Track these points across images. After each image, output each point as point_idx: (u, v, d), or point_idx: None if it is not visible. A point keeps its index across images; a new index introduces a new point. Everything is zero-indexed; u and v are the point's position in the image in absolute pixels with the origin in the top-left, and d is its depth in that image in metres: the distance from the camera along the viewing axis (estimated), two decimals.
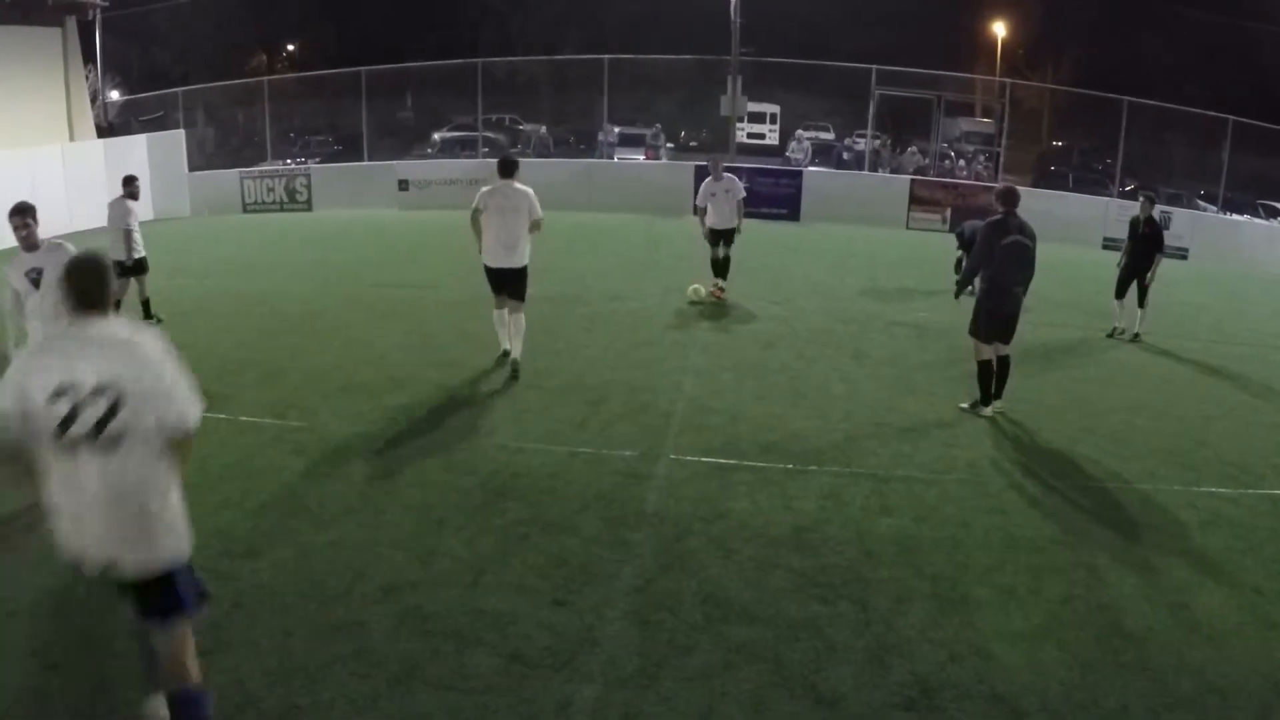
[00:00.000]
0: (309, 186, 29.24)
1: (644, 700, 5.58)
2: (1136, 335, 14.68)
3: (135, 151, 29.50)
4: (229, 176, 31.02)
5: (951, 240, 18.18)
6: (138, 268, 15.35)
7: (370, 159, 32.00)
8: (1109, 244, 23.84)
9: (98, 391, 4.28)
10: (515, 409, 10.54)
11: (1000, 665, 5.89)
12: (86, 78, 31.37)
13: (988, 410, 10.61)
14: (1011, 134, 33.04)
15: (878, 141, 33.20)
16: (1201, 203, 29.87)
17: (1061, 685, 5.76)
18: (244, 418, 10.54)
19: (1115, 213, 24.90)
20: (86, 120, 30.02)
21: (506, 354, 12.07)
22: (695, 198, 16.37)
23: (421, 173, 30.25)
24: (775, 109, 44.42)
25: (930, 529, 7.64)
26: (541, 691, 5.66)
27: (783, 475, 8.67)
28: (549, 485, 8.54)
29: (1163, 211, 24.77)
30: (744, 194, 16.11)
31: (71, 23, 29.00)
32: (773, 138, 44.39)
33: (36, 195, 24.43)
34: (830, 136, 42.35)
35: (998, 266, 10.37)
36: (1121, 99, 27.86)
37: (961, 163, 35.60)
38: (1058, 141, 42.21)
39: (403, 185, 29.43)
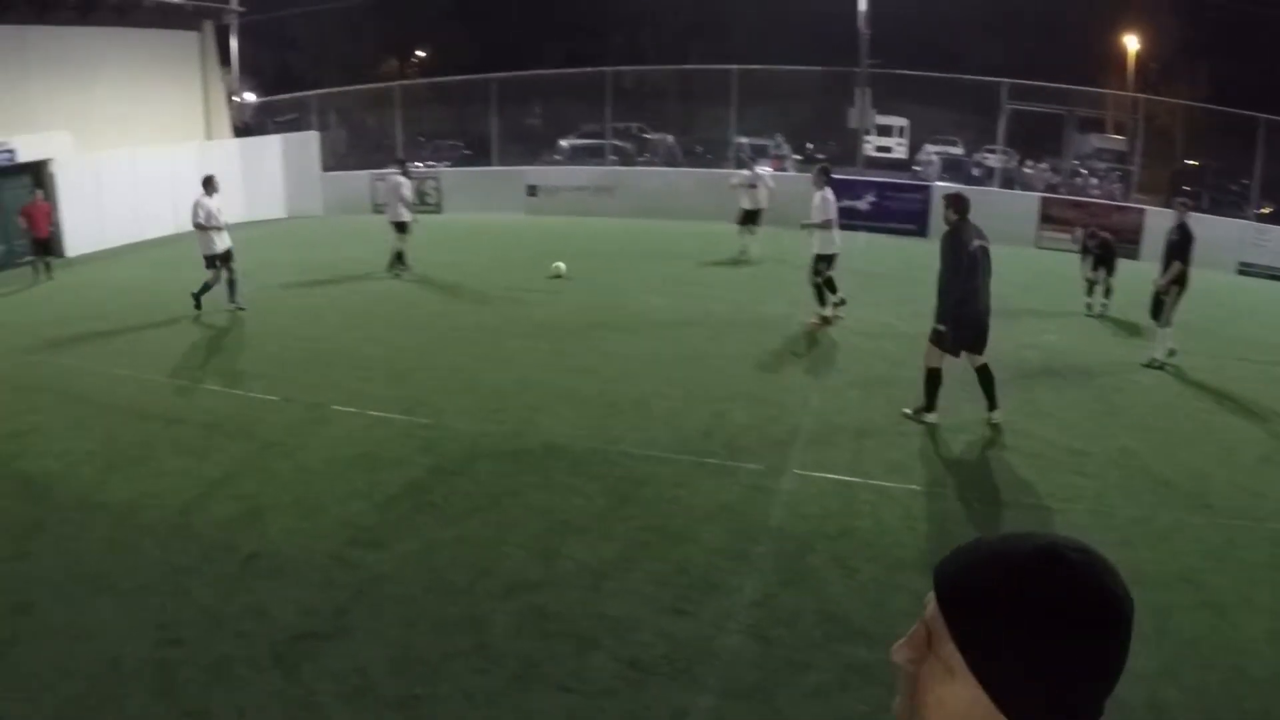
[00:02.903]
0: (439, 189, 29.74)
1: (759, 715, 5.63)
2: (1159, 360, 13.33)
3: (270, 151, 30.46)
4: (360, 178, 31.65)
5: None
6: (402, 228, 19.64)
7: (499, 164, 32.41)
8: (1244, 269, 23.16)
9: None
10: (642, 417, 10.64)
11: (1121, 704, 5.68)
12: (223, 80, 32.31)
13: (931, 417, 10.51)
14: (1143, 151, 32.23)
15: (1007, 157, 32.66)
16: None
17: None
18: (373, 412, 10.86)
19: (1253, 236, 24.10)
20: (223, 120, 31.03)
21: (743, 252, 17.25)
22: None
23: (550, 179, 30.55)
24: (904, 122, 43.92)
25: None
26: (657, 699, 5.73)
27: (908, 496, 8.63)
28: (673, 494, 8.63)
29: None
30: (830, 215, 15.08)
31: (209, 27, 30.08)
32: (900, 151, 43.92)
33: (175, 190, 25.63)
34: (959, 151, 41.72)
35: (969, 276, 10.27)
36: (1258, 116, 26.98)
37: (1094, 181, 34.80)
38: (1191, 160, 41.02)
39: (531, 191, 29.75)
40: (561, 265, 18.96)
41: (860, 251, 21.51)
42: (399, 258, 19.73)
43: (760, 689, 5.83)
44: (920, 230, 25.86)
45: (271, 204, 30.29)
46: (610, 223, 26.65)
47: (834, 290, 15.30)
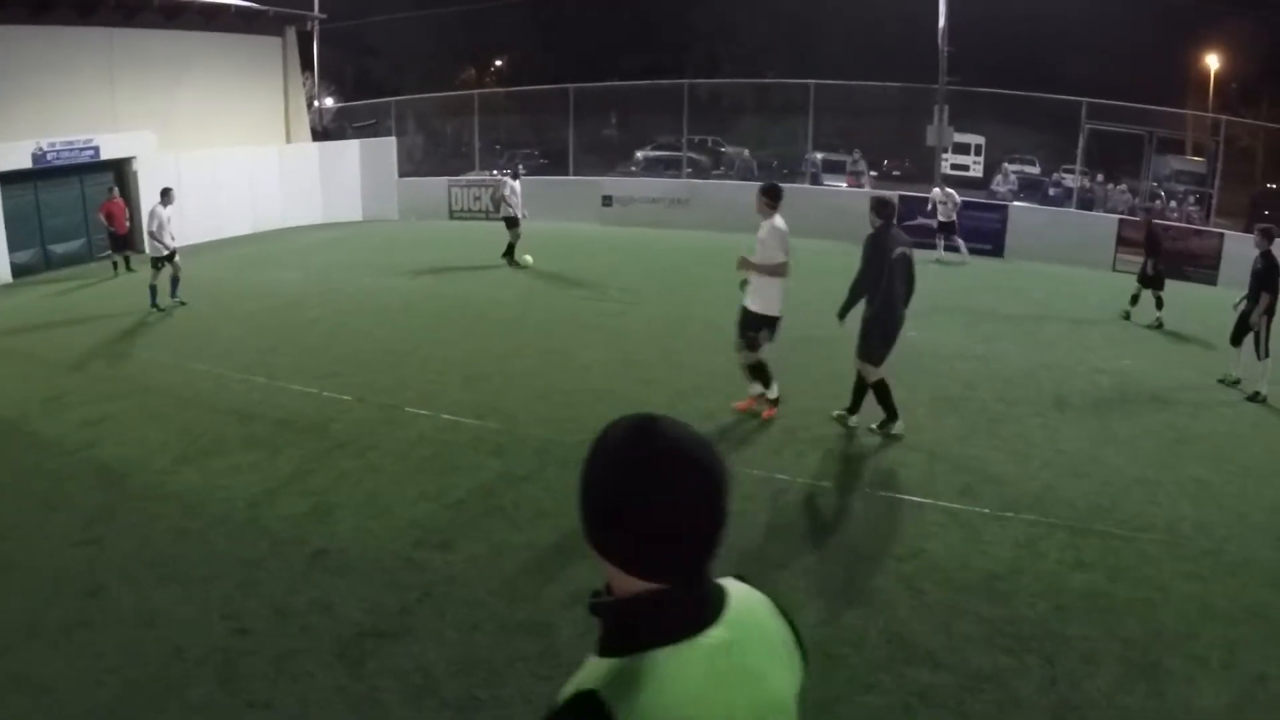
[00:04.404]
0: None
1: None
2: (1256, 394, 13.00)
3: (348, 155, 31.11)
4: (437, 184, 32.14)
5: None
6: (511, 223, 21.73)
7: (575, 174, 32.59)
8: None
9: None
10: (713, 430, 10.60)
11: None
12: (304, 85, 32.98)
13: (898, 426, 10.44)
14: (1223, 174, 31.61)
15: (1086, 177, 32.23)
16: None
17: None
18: (445, 416, 11.01)
19: None
20: (302, 124, 31.80)
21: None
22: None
23: (625, 189, 30.78)
24: (980, 140, 43.46)
25: (1125, 589, 7.38)
26: None
27: (978, 519, 8.53)
28: (742, 508, 8.56)
29: None
30: (783, 256, 10.70)
31: (291, 33, 30.92)
32: (977, 169, 43.41)
33: (254, 191, 26.23)
34: (1036, 170, 41.21)
35: (888, 283, 10.05)
36: None
37: (1172, 203, 34.18)
38: (1272, 184, 39.95)
39: (606, 201, 29.96)
40: (529, 258, 21.42)
41: (935, 271, 21.40)
42: (509, 250, 21.78)
43: (823, 709, 5.78)
44: (997, 250, 25.65)
45: (348, 208, 30.81)
46: (684, 235, 26.73)
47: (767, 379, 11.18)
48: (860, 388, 10.64)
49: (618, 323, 16.02)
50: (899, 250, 10.16)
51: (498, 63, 61.07)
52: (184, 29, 26.51)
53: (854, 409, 10.74)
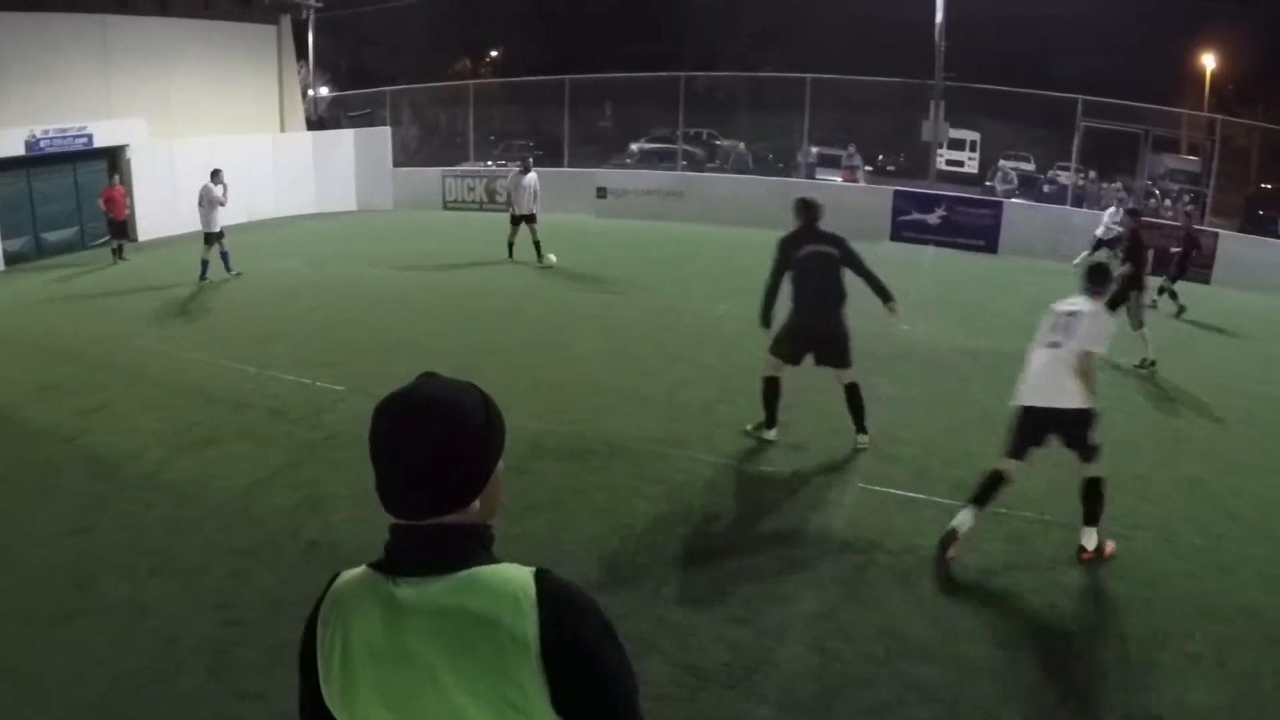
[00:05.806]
0: (508, 188, 30.05)
1: None
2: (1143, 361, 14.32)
3: (342, 145, 31.13)
4: (431, 174, 32.12)
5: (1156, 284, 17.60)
6: (526, 218, 21.18)
7: (570, 165, 32.56)
8: None
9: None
10: (707, 423, 10.63)
11: None
12: (298, 74, 32.99)
13: (771, 433, 10.09)
14: (1218, 174, 31.65)
15: (1081, 175, 32.26)
16: None
17: None
18: None
19: None
20: (297, 113, 31.84)
21: None
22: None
23: (620, 181, 30.76)
24: (975, 136, 43.50)
25: (1119, 586, 7.37)
26: (714, 706, 5.72)
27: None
28: (736, 502, 8.64)
29: None
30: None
31: (286, 21, 30.98)
32: (972, 166, 43.46)
33: (249, 180, 26.17)
34: (1031, 167, 41.22)
35: (797, 281, 9.72)
36: None
37: (1167, 202, 34.23)
38: (1266, 184, 39.88)
39: (600, 193, 29.93)
40: (553, 257, 20.70)
41: (928, 267, 21.42)
42: (520, 246, 21.32)
43: (818, 703, 5.80)
44: (990, 246, 25.68)
45: (343, 197, 30.78)
46: (679, 227, 26.74)
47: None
48: (853, 400, 10.29)
49: (612, 314, 16.01)
50: (808, 249, 9.75)
51: (493, 53, 61.01)
52: (179, 15, 26.53)
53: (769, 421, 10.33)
